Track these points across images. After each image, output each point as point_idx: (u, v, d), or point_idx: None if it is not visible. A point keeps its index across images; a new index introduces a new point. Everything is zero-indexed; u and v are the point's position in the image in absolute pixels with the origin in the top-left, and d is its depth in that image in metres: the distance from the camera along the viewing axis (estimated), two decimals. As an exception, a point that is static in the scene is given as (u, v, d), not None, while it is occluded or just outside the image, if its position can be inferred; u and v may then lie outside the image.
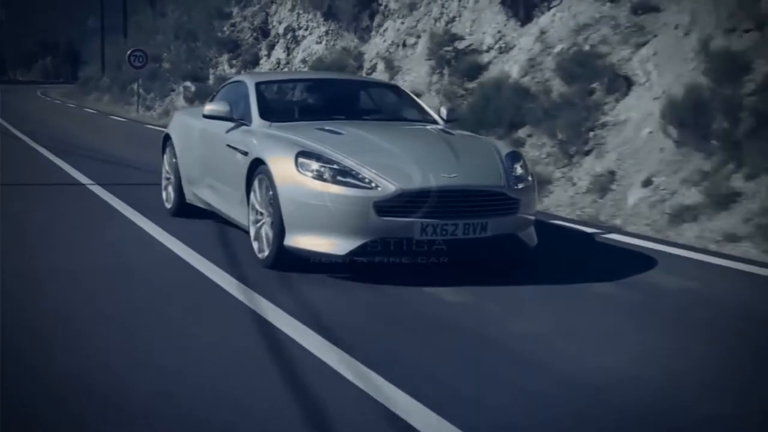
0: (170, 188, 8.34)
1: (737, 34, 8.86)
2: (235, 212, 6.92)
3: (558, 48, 11.83)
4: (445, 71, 13.14)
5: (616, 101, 10.33)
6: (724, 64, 8.57)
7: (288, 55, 16.88)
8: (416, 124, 7.25)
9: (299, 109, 7.49)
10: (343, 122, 6.90)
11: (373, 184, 5.86)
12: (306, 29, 16.13)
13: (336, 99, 7.59)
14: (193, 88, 18.01)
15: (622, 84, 10.32)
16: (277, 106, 7.28)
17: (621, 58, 10.68)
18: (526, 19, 13.09)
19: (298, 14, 16.44)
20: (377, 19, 14.35)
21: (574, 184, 9.67)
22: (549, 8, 12.82)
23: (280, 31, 17.09)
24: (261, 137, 6.68)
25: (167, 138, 8.49)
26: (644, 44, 10.58)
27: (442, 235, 5.85)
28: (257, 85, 7.27)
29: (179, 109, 9.46)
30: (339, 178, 5.93)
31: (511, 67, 12.33)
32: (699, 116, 8.50)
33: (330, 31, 14.99)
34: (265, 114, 6.97)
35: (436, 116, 7.40)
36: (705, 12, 9.40)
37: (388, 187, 5.84)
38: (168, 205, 8.38)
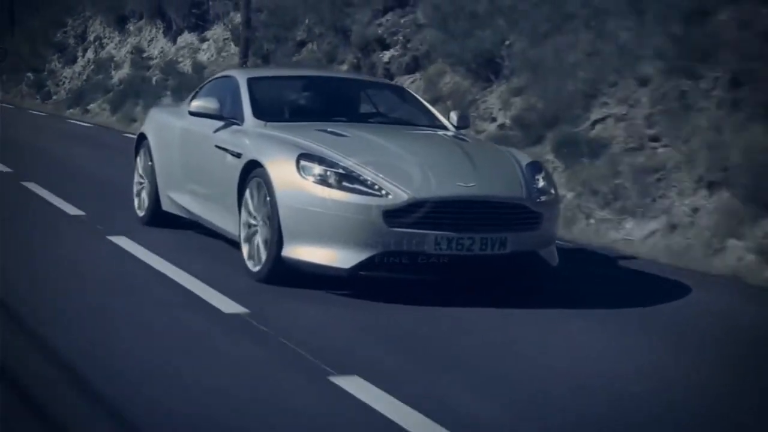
0: (144, 194, 8.21)
1: None
2: (223, 220, 6.80)
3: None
4: None
5: None
6: None
7: (95, 55, 25.60)
8: (425, 128, 7.21)
9: (296, 109, 7.37)
10: (345, 124, 6.82)
11: (383, 191, 5.80)
12: (109, 38, 25.59)
13: (336, 99, 7.50)
14: (32, 77, 27.39)
15: None
16: (272, 105, 7.16)
17: None
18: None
19: (104, 27, 25.94)
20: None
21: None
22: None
23: (92, 38, 26.27)
24: (256, 138, 6.59)
25: (142, 138, 8.34)
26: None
27: (457, 249, 5.80)
28: (249, 81, 7.19)
29: (155, 106, 9.31)
30: (345, 183, 5.86)
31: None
32: None
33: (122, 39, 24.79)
34: (258, 113, 6.86)
35: (446, 121, 7.37)
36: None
37: (399, 194, 5.79)
38: (140, 213, 8.24)
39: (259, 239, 6.20)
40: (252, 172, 6.29)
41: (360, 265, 5.76)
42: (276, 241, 5.97)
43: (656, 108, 9.03)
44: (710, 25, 8.94)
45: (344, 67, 14.54)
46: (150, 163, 8.08)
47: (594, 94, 9.81)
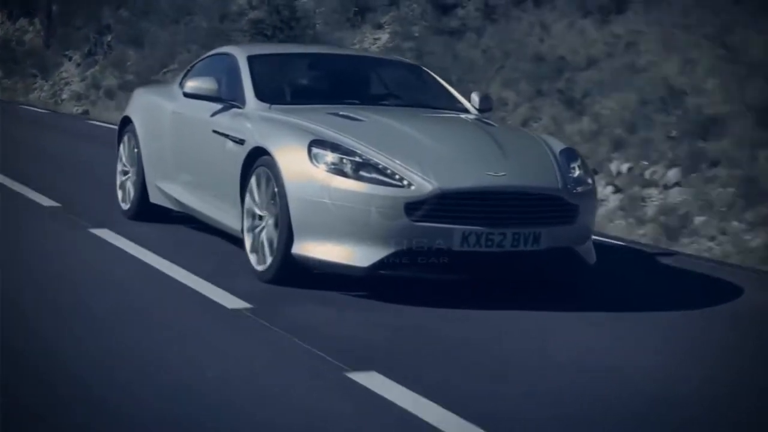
0: (129, 185, 8.07)
1: None
2: (223, 214, 6.67)
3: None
4: None
5: None
6: None
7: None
8: (446, 111, 7.09)
9: (303, 90, 7.22)
10: (358, 107, 6.69)
11: (405, 182, 5.69)
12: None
13: (347, 79, 7.34)
14: None
15: None
16: (276, 85, 7.01)
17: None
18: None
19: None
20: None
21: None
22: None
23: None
24: (260, 122, 6.45)
25: (126, 122, 8.18)
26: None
27: (486, 246, 5.69)
28: (250, 59, 7.05)
29: (140, 87, 9.15)
30: (362, 173, 5.74)
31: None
32: None
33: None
34: (262, 94, 6.70)
35: (467, 104, 7.26)
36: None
37: (423, 185, 5.68)
38: (125, 206, 8.10)
39: (264, 236, 6.06)
40: (257, 160, 6.15)
41: (379, 264, 5.65)
42: (285, 237, 5.84)
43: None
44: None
45: None
46: (136, 150, 7.92)
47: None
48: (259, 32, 16.08)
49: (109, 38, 21.27)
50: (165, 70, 18.40)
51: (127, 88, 17.14)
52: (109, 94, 19.50)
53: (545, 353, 5.08)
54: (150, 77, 17.88)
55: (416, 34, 14.96)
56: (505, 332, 5.41)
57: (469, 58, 13.31)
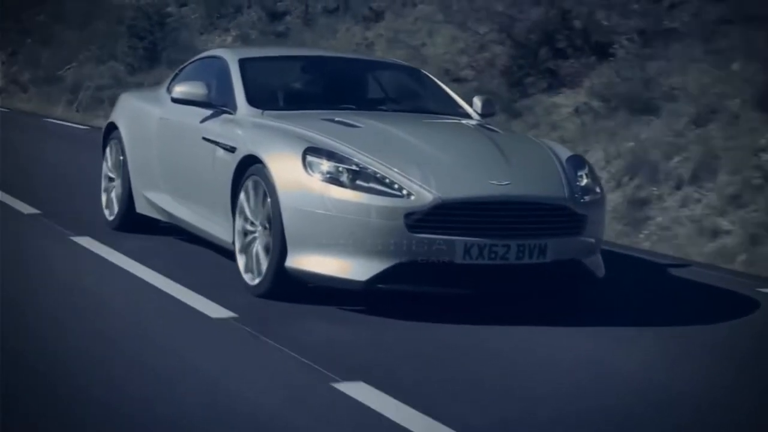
0: (113, 194, 8.00)
1: None
2: (213, 225, 6.59)
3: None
4: None
5: None
6: None
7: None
8: (447, 117, 7.02)
9: (297, 95, 7.16)
10: (355, 113, 6.63)
11: (404, 191, 5.62)
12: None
13: (343, 83, 7.28)
14: None
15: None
16: (269, 90, 6.95)
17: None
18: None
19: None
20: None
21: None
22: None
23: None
24: (252, 129, 6.38)
25: (111, 128, 8.12)
26: None
27: (490, 258, 5.63)
28: (241, 62, 6.98)
29: (126, 91, 9.09)
30: (359, 182, 5.68)
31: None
32: None
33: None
34: (254, 99, 6.64)
35: (469, 109, 7.21)
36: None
37: (423, 195, 5.61)
38: (110, 216, 8.02)
39: (257, 248, 5.99)
40: (249, 169, 6.08)
41: (377, 278, 5.57)
42: (278, 250, 5.77)
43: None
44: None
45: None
46: (122, 157, 7.85)
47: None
48: (134, 35, 20.29)
49: (29, 40, 24.81)
50: (68, 66, 22.41)
51: (36, 83, 22.77)
52: (24, 88, 23.57)
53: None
54: (55, 72, 22.40)
55: (253, 37, 18.87)
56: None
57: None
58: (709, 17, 10.94)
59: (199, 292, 5.93)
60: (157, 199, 7.42)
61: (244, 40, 18.96)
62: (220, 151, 6.49)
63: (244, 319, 5.45)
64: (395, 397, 4.29)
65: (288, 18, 19.18)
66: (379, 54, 14.14)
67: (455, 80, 12.17)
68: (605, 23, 11.65)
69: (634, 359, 5.30)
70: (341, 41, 16.84)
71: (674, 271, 7.56)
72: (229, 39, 19.82)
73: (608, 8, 11.71)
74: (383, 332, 5.49)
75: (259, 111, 6.58)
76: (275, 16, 19.43)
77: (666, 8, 11.68)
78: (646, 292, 6.93)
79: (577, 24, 11.85)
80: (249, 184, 6.07)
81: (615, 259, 7.08)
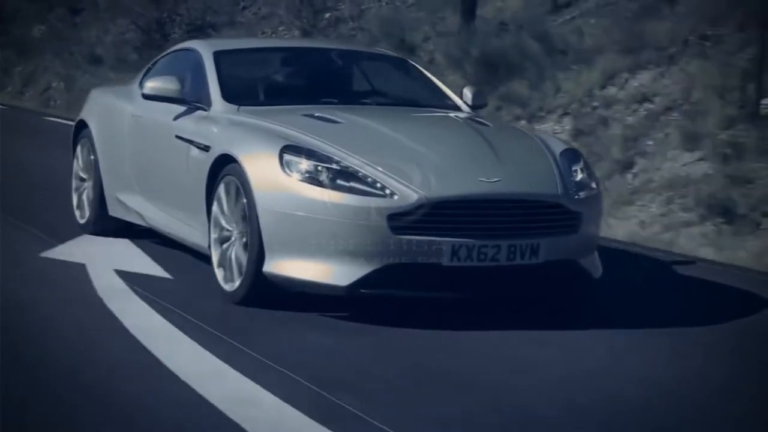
0: (85, 196, 8.06)
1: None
2: (188, 228, 6.62)
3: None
4: None
5: None
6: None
7: None
8: (434, 110, 7.06)
9: (275, 89, 7.18)
10: (337, 107, 6.68)
11: (387, 191, 5.65)
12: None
13: (325, 76, 7.32)
14: None
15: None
16: (246, 85, 6.98)
17: None
18: None
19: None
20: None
21: None
22: None
23: None
24: (227, 126, 6.42)
25: (81, 126, 8.18)
26: None
27: (479, 260, 5.67)
28: (216, 55, 7.02)
29: (97, 87, 9.13)
30: (340, 181, 5.71)
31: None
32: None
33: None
34: (229, 95, 6.68)
35: (458, 100, 7.25)
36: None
37: (407, 194, 5.64)
38: (81, 220, 8.08)
39: (233, 252, 6.04)
40: (223, 168, 6.11)
41: (360, 282, 5.61)
42: (255, 254, 5.80)
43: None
44: None
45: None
46: (92, 157, 7.90)
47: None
48: None
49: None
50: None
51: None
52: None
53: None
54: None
55: None
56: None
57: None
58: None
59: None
60: (130, 201, 7.48)
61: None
62: (194, 150, 6.53)
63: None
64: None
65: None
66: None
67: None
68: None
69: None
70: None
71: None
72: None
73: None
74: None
75: (235, 107, 6.62)
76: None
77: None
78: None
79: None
80: (224, 184, 6.11)
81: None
